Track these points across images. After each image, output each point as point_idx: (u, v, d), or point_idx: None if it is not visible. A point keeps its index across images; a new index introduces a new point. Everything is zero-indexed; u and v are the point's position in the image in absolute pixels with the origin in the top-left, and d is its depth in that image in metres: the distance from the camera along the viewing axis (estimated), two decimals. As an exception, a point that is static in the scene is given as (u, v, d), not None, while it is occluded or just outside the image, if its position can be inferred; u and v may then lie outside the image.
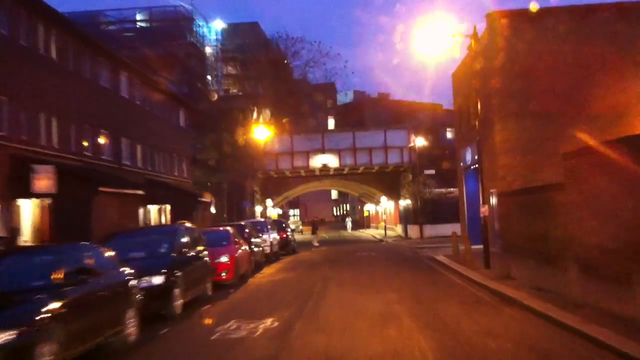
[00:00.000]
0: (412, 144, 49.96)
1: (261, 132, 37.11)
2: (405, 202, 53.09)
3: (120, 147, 28.85)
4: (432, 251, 29.01)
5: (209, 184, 49.50)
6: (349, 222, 72.51)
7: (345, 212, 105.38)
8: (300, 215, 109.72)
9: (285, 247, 33.34)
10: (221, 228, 21.49)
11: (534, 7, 24.27)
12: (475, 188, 33.15)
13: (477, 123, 23.99)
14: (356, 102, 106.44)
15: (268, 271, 23.45)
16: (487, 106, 27.48)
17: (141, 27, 52.23)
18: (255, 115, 46.80)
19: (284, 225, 34.36)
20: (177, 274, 12.96)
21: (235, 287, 18.15)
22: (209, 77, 57.46)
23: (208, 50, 57.85)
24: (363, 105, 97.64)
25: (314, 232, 46.40)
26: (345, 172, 58.83)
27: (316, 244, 43.91)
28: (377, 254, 29.90)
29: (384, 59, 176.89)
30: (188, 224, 18.21)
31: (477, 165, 31.09)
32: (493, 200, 27.19)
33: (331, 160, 54.63)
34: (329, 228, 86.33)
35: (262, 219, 30.46)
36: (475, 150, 30.00)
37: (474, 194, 32.83)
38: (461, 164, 32.93)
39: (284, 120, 47.53)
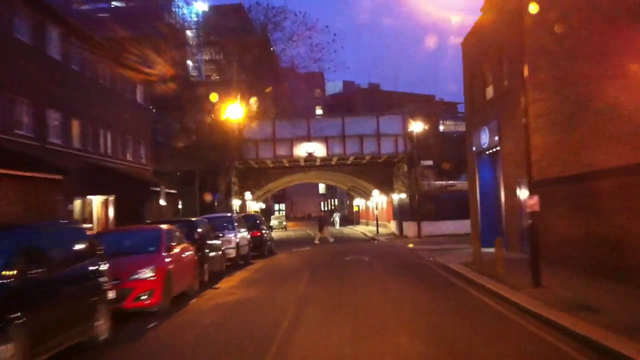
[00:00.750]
0: (410, 129, 43.61)
1: (234, 111, 30.66)
2: (399, 196, 46.88)
3: (46, 121, 22.34)
4: (440, 255, 22.77)
5: (178, 173, 43.23)
6: (337, 218, 65.89)
7: (333, 207, 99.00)
8: (286, 210, 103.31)
9: (259, 247, 26.99)
10: (150, 227, 15.11)
11: None
12: (491, 177, 26.95)
13: (493, 94, 17.71)
14: (346, 93, 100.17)
15: (226, 284, 17.06)
16: (514, 72, 21.22)
17: (116, 6, 46.80)
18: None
19: (257, 221, 27.95)
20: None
21: (163, 316, 11.78)
22: (189, 62, 51.30)
23: (188, 33, 51.77)
24: (353, 96, 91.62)
25: (321, 229, 40.23)
26: (333, 162, 52.49)
27: (331, 239, 38.84)
28: (372, 258, 23.60)
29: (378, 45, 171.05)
30: (63, 222, 11.77)
31: (496, 149, 24.94)
32: (521, 192, 20.98)
33: (318, 149, 48.28)
34: (315, 224, 79.98)
35: (228, 214, 24.07)
36: (495, 129, 23.80)
37: (489, 185, 26.57)
38: (473, 148, 26.67)
39: (266, 90, 41.02)
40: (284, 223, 63.00)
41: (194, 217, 26.76)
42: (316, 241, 39.12)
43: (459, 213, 39.68)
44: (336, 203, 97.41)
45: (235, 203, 49.80)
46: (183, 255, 14.05)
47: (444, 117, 52.43)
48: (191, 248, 15.22)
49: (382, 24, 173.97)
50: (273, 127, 48.31)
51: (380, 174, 53.40)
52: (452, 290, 14.09)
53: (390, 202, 52.74)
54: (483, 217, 26.25)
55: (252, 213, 29.16)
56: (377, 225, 49.23)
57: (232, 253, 21.35)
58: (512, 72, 21.45)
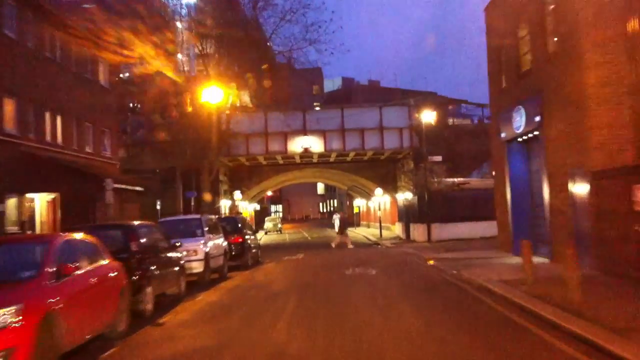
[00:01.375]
0: (417, 120, 38.42)
1: (212, 94, 25.42)
2: (404, 196, 41.77)
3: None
4: (466, 268, 17.60)
5: (157, 170, 38.12)
6: (336, 220, 59.73)
7: (332, 208, 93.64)
8: (283, 212, 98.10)
9: (241, 256, 21.81)
10: (34, 239, 9.97)
11: None
12: (525, 169, 21.80)
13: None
14: (344, 90, 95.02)
15: (177, 317, 11.82)
16: (564, 30, 16.11)
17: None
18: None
19: (239, 224, 22.71)
20: None
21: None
22: (179, 55, 46.21)
23: (179, 25, 46.68)
24: (352, 93, 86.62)
25: (341, 231, 35.14)
26: (331, 159, 47.35)
27: (350, 245, 33.56)
28: (380, 272, 18.40)
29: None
30: None
31: (535, 133, 19.77)
32: (575, 186, 15.85)
33: (314, 144, 43.16)
34: (313, 226, 74.74)
35: (197, 216, 18.71)
36: (535, 107, 18.64)
37: (522, 179, 21.34)
38: (502, 135, 21.49)
39: (263, 67, 35.87)
40: (279, 225, 57.69)
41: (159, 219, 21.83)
42: (333, 245, 33.94)
43: (474, 214, 34.58)
44: (336, 204, 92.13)
45: (224, 204, 44.70)
46: (93, 280, 8.86)
47: (451, 113, 47.30)
48: (117, 266, 10.05)
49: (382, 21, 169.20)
50: (265, 119, 43.20)
51: (383, 171, 48.30)
52: (515, 336, 8.84)
53: (395, 202, 47.61)
54: (517, 218, 21.13)
55: (233, 215, 23.83)
56: (381, 228, 44.07)
57: (197, 267, 16.17)
58: (562, 31, 16.30)
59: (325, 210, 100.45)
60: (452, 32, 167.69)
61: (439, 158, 37.72)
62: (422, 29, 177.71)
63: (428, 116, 37.13)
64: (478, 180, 39.31)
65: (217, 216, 20.81)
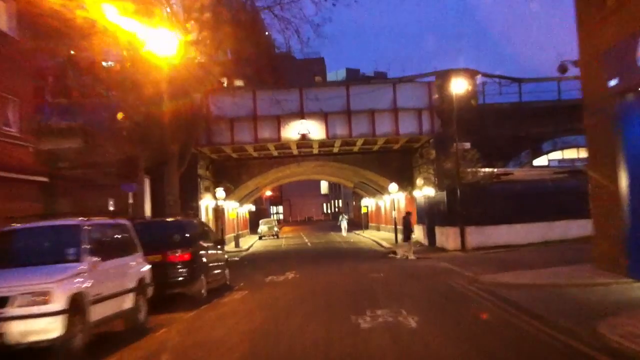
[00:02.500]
0: (444, 93, 29.89)
1: (160, 41, 16.86)
2: (425, 192, 33.24)
3: None
4: (596, 315, 8.97)
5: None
6: (344, 222, 50.32)
7: (337, 209, 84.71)
8: (284, 213, 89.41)
9: (190, 283, 13.20)
10: None
11: None
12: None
13: None
14: (349, 82, 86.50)
15: None
16: None
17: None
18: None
19: (188, 233, 14.10)
20: None
21: None
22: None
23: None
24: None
25: (407, 238, 25.88)
26: (335, 149, 38.77)
27: (412, 256, 24.20)
28: (422, 320, 9.75)
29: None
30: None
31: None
32: None
33: (314, 130, 34.59)
34: (315, 229, 66.03)
35: (70, 222, 10.06)
36: None
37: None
38: (613, 82, 12.77)
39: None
40: (275, 229, 48.80)
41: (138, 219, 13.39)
42: (408, 256, 24.62)
43: (521, 214, 26.01)
44: (341, 204, 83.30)
45: (207, 204, 36.20)
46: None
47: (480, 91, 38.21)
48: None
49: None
50: (253, 99, 34.67)
51: (396, 164, 39.70)
52: None
53: (411, 200, 39.04)
54: (633, 222, 12.51)
55: (180, 219, 15.35)
56: (396, 232, 35.37)
57: (50, 329, 7.53)
58: None
59: (329, 211, 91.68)
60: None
61: (467, 145, 28.98)
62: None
63: (459, 86, 28.17)
64: (522, 171, 30.64)
65: (134, 220, 12.15)
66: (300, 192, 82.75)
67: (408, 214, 26.16)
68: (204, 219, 34.98)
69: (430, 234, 30.58)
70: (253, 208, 59.41)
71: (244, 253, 33.14)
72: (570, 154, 35.18)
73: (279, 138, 34.77)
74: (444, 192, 27.59)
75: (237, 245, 35.91)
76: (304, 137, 34.47)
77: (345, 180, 56.17)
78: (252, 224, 55.13)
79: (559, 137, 34.61)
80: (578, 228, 24.35)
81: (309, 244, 40.13)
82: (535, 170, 31.12)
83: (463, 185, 26.08)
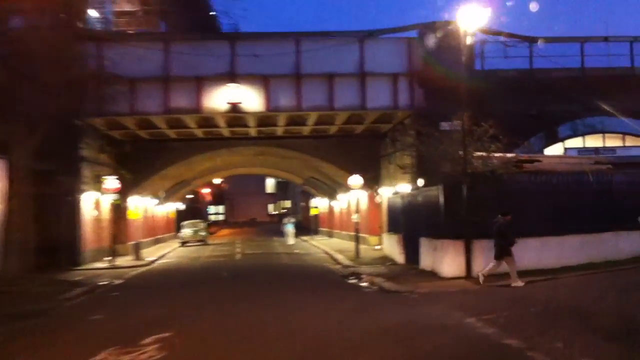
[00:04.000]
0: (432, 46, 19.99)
1: None
2: (397, 189, 23.43)
3: None
4: None
5: None
6: (289, 227, 38.01)
7: (284, 210, 74.10)
8: (226, 214, 78.54)
9: None
10: None
11: None
12: None
13: None
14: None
15: None
16: None
17: None
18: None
19: None
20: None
21: None
22: (93, 11, 27.50)
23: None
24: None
25: (500, 254, 15.10)
26: (279, 130, 28.58)
27: (519, 283, 13.93)
28: None
29: None
30: None
31: None
32: None
33: (249, 98, 24.25)
34: (257, 232, 55.46)
35: None
36: None
37: None
38: None
39: None
40: (203, 233, 37.79)
41: None
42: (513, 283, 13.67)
43: (556, 220, 16.35)
44: (290, 205, 72.81)
45: (97, 198, 25.45)
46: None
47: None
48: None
49: None
50: (165, 53, 24.15)
51: (360, 152, 29.70)
52: None
53: (375, 202, 29.18)
54: None
55: None
56: (357, 241, 25.26)
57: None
58: None
59: (275, 212, 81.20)
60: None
61: (456, 124, 18.92)
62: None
63: (451, 41, 18.43)
64: (553, 158, 20.98)
65: None
66: (243, 190, 72.19)
67: (505, 214, 15.20)
68: (86, 218, 24.21)
69: (408, 248, 20.55)
70: (182, 207, 48.56)
71: (142, 269, 22.52)
72: (594, 141, 25.81)
73: (200, 108, 24.35)
74: (438, 188, 17.43)
75: (137, 256, 25.18)
76: (234, 107, 24.15)
77: (294, 175, 45.90)
78: (178, 226, 44.35)
79: (580, 118, 25.25)
80: (631, 243, 16.79)
81: (240, 254, 29.67)
82: (570, 158, 21.48)
83: (472, 176, 16.20)
